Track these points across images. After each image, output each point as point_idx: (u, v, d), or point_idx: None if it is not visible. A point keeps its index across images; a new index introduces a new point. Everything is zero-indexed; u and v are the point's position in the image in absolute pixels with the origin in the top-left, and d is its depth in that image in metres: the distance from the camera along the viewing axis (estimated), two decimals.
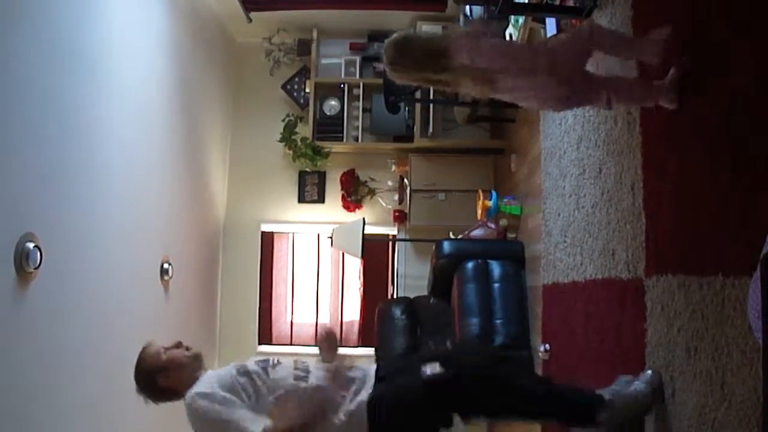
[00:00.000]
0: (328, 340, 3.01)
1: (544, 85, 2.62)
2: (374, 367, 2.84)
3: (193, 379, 2.70)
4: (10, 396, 2.82)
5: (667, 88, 2.58)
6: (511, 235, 5.45)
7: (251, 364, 2.74)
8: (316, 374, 2.73)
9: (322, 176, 6.77)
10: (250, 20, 6.13)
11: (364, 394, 2.66)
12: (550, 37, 3.16)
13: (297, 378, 2.68)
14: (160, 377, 2.72)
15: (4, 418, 2.79)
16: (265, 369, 2.70)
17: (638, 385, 2.74)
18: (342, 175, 6.72)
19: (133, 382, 2.77)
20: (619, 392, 2.75)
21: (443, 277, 5.30)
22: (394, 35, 2.60)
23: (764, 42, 2.07)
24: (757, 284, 1.61)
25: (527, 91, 2.66)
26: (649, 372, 2.77)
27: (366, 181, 6.74)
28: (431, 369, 2.62)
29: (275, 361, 2.77)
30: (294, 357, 3.00)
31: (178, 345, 2.84)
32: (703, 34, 2.44)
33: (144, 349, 2.82)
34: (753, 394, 2.03)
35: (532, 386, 2.73)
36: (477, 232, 5.50)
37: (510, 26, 4.39)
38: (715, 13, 2.37)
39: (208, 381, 2.65)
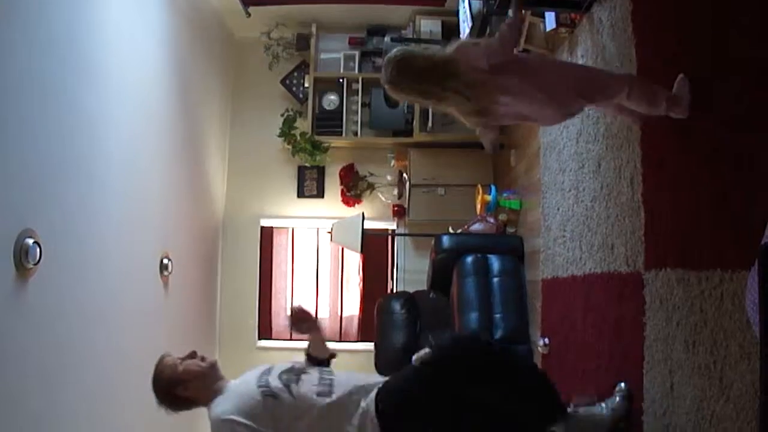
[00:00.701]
0: (299, 317, 3.02)
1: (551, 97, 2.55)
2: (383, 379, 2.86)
3: (214, 391, 2.72)
4: (9, 391, 2.82)
5: (678, 98, 2.51)
6: (510, 230, 5.46)
7: (274, 379, 2.71)
8: (340, 386, 2.72)
9: (321, 171, 6.77)
10: (249, 15, 6.11)
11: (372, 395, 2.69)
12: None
13: (320, 394, 2.67)
14: (180, 389, 2.74)
15: (3, 413, 2.79)
16: (288, 386, 2.68)
17: (603, 408, 2.81)
18: (341, 170, 6.72)
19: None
20: (581, 409, 2.82)
21: (443, 272, 5.31)
22: (394, 51, 2.55)
23: (765, 35, 2.07)
24: (755, 278, 1.62)
25: (529, 104, 2.61)
26: (617, 398, 2.83)
27: (365, 176, 6.74)
28: (419, 354, 2.69)
29: (299, 375, 2.76)
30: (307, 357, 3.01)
31: (193, 355, 2.86)
32: (703, 27, 2.44)
33: (160, 361, 2.83)
34: (751, 387, 2.04)
35: (516, 358, 2.78)
36: (476, 227, 5.50)
37: None
38: (714, 5, 2.37)
39: (233, 400, 2.64)
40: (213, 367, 2.83)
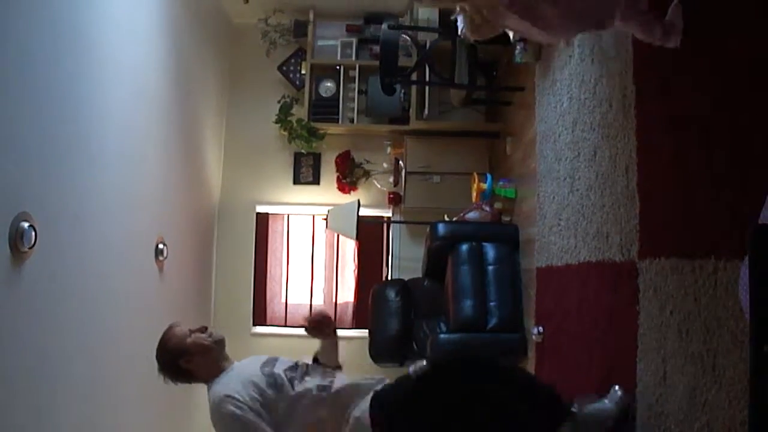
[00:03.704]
0: (319, 321, 2.98)
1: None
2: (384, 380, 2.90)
3: (217, 368, 2.74)
4: (4, 374, 2.83)
5: (671, 27, 2.49)
6: (505, 218, 5.47)
7: (280, 371, 2.75)
8: (340, 382, 2.78)
9: (317, 158, 6.76)
10: (247, 1, 6.09)
11: (367, 400, 2.72)
12: None
13: (320, 389, 2.71)
14: (184, 360, 2.75)
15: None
16: (291, 382, 2.72)
17: (606, 404, 2.82)
18: (337, 157, 6.70)
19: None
20: (586, 407, 2.83)
21: (437, 259, 5.32)
22: None
23: (761, 18, 2.07)
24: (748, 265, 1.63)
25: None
26: (619, 393, 2.83)
27: (361, 163, 6.73)
28: (415, 366, 2.69)
29: (304, 370, 2.81)
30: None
31: (203, 329, 2.86)
32: (704, 10, 2.43)
33: (169, 329, 2.83)
34: (743, 376, 2.05)
35: (513, 369, 2.80)
36: (472, 215, 5.51)
37: None
38: None
39: (236, 381, 2.66)
40: (220, 344, 2.84)
